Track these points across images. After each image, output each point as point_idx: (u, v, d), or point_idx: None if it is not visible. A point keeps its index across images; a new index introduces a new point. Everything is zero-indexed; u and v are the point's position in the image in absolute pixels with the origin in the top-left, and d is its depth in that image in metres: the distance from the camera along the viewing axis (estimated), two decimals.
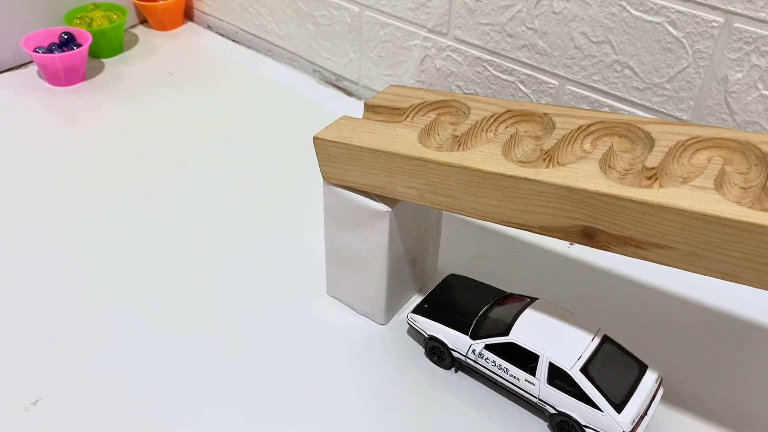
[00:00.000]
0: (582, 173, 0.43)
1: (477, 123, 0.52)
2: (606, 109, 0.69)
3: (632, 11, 0.63)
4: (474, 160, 0.47)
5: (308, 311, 0.62)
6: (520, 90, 0.74)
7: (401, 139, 0.52)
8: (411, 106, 0.56)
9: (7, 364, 0.56)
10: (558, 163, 0.47)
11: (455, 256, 0.67)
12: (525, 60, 0.72)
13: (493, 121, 0.53)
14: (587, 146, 0.49)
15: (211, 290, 0.64)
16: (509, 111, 0.53)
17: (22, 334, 0.59)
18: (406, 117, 0.56)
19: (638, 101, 0.67)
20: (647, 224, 0.41)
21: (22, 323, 0.60)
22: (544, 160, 0.47)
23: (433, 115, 0.55)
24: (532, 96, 0.74)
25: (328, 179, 0.56)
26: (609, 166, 0.45)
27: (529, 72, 0.73)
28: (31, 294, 0.63)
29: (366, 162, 0.52)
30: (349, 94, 0.92)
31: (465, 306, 0.58)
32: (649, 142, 0.46)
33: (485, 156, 0.47)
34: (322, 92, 0.93)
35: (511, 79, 0.75)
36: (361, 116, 0.57)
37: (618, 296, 0.64)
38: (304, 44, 0.94)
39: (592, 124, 0.49)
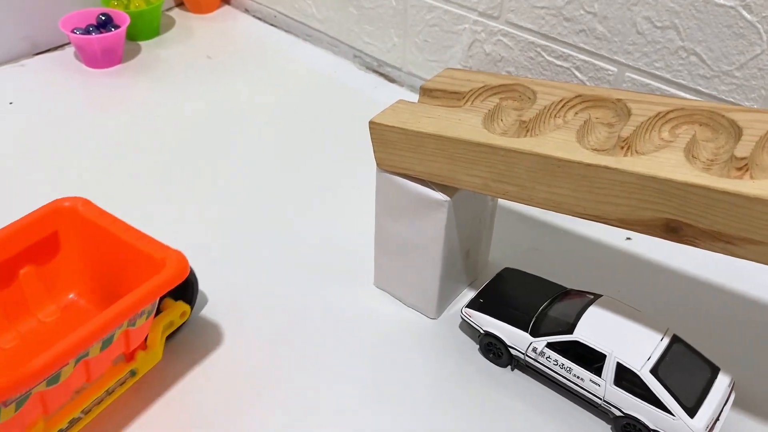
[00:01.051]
0: (667, 163, 0.40)
1: (545, 108, 0.49)
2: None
3: None
4: (547, 147, 0.44)
5: (354, 303, 0.60)
6: (576, 76, 0.71)
7: (464, 124, 0.49)
8: (471, 90, 0.53)
9: None
10: (636, 151, 0.44)
11: (507, 249, 0.64)
12: (582, 45, 0.69)
13: (562, 107, 0.50)
14: (665, 134, 0.46)
15: (254, 276, 0.62)
16: (579, 96, 0.50)
17: None
18: (466, 101, 0.53)
19: (704, 90, 0.63)
20: (740, 218, 0.38)
21: None
22: (622, 148, 0.44)
23: (495, 100, 0.52)
24: (588, 83, 0.71)
25: (383, 166, 0.53)
26: (693, 156, 0.42)
27: (585, 58, 0.70)
28: None
29: (426, 148, 0.50)
30: (391, 80, 0.90)
31: (523, 301, 0.55)
32: (735, 130, 0.43)
33: (559, 143, 0.44)
34: (362, 78, 0.91)
35: (566, 65, 0.72)
36: (403, 99, 0.54)
37: (680, 293, 0.61)
38: (345, 28, 0.91)
39: (671, 111, 0.46)
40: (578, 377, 0.50)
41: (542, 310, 0.53)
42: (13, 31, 0.90)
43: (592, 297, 0.53)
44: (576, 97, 0.50)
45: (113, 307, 0.44)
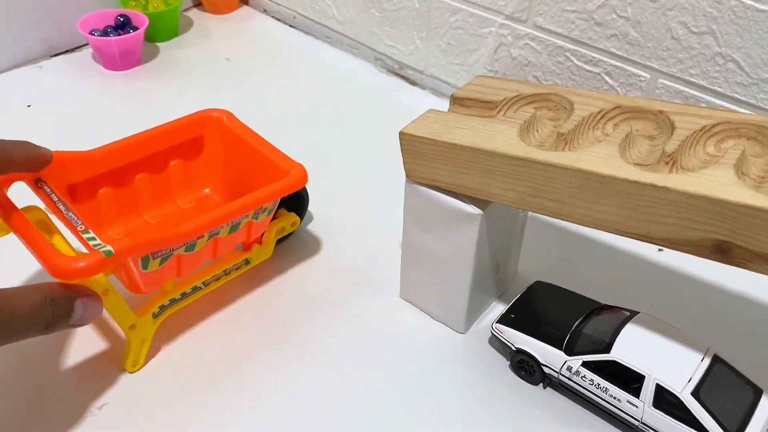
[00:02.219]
0: (717, 181, 0.39)
1: (583, 120, 0.47)
2: (703, 105, 0.64)
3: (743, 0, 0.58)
4: (588, 162, 0.42)
5: (379, 315, 0.59)
6: (606, 82, 0.69)
7: (500, 135, 0.47)
8: (504, 99, 0.52)
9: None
10: (682, 167, 0.42)
11: (536, 260, 0.63)
12: (614, 50, 0.67)
13: (601, 118, 0.48)
14: (711, 149, 0.44)
15: (276, 281, 0.61)
16: (618, 107, 0.48)
17: None
18: (499, 111, 0.51)
19: (741, 98, 0.61)
20: None
21: None
22: (667, 163, 0.42)
23: (530, 110, 0.51)
24: (619, 89, 0.69)
25: (413, 178, 0.52)
26: (742, 173, 0.41)
27: (617, 63, 0.68)
28: None
29: (459, 161, 0.48)
30: (413, 83, 0.88)
31: (556, 317, 0.53)
32: None
33: (601, 157, 0.43)
34: (384, 81, 0.89)
35: (596, 70, 0.70)
36: (433, 108, 0.53)
37: (719, 308, 0.59)
38: (367, 30, 0.90)
39: (717, 124, 0.44)
40: (615, 398, 0.49)
41: (576, 326, 0.52)
42: (30, 32, 0.89)
43: (628, 314, 0.51)
44: (615, 108, 0.48)
45: (244, 198, 0.53)
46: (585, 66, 0.70)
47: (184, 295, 0.56)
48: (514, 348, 0.53)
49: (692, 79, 0.64)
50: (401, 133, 0.50)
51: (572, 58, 0.71)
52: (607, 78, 0.69)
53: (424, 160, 0.50)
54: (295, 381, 0.53)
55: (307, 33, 0.99)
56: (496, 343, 0.56)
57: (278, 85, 0.88)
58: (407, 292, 0.60)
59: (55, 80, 0.88)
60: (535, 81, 0.75)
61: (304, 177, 0.57)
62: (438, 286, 0.56)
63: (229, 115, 0.62)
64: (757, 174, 0.41)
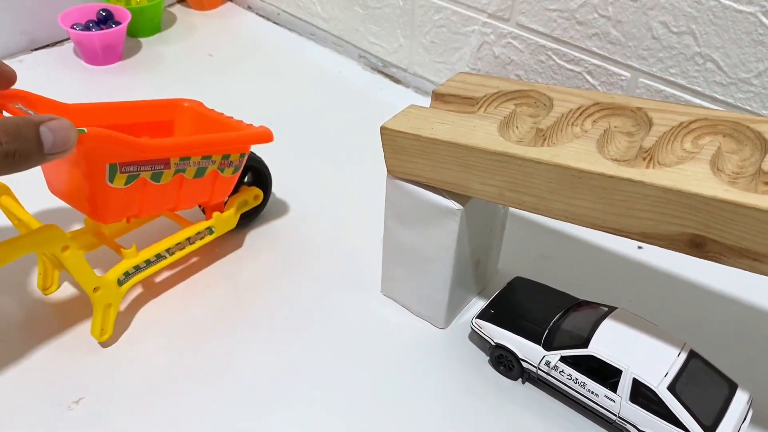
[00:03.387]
0: (693, 176, 0.39)
1: (562, 116, 0.48)
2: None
3: (722, 0, 0.58)
4: (567, 157, 0.43)
5: (360, 310, 0.59)
6: (587, 81, 0.70)
7: (480, 131, 0.47)
8: (485, 95, 0.52)
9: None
10: (659, 163, 0.43)
11: (516, 256, 0.63)
12: (595, 50, 0.68)
13: (580, 115, 0.48)
14: (688, 145, 0.44)
15: (255, 278, 0.61)
16: (597, 104, 0.48)
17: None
18: (480, 107, 0.51)
19: (720, 97, 0.62)
20: None
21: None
22: (644, 159, 0.43)
23: (510, 106, 0.51)
24: (600, 88, 0.69)
25: (394, 173, 0.52)
26: (717, 168, 0.41)
27: (598, 62, 0.68)
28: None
29: (439, 156, 0.48)
30: (397, 81, 0.88)
31: (535, 313, 0.54)
32: (761, 143, 0.42)
33: (579, 153, 0.43)
34: (368, 79, 0.89)
35: (577, 69, 0.70)
36: (415, 104, 0.53)
37: (696, 304, 0.60)
38: (351, 28, 0.90)
39: (694, 121, 0.45)
40: (593, 392, 0.49)
41: (555, 322, 0.52)
42: (10, 26, 0.88)
43: (606, 309, 0.51)
44: (594, 104, 0.48)
45: (212, 135, 0.56)
46: (566, 65, 0.71)
47: (149, 263, 0.56)
48: (493, 343, 0.53)
49: (672, 78, 0.64)
50: (382, 128, 0.50)
51: (554, 57, 0.71)
52: (588, 77, 0.70)
53: (405, 155, 0.50)
54: (272, 372, 0.53)
55: (291, 30, 0.98)
56: (476, 338, 0.56)
57: (262, 81, 0.88)
58: (388, 288, 0.60)
59: (36, 74, 0.87)
60: (517, 79, 0.75)
61: (268, 133, 0.60)
62: (418, 281, 0.56)
63: (200, 104, 0.64)
64: (732, 170, 0.41)
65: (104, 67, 0.88)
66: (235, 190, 0.63)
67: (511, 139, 0.48)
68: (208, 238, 0.60)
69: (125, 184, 0.50)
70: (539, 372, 0.51)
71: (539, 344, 0.51)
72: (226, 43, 0.95)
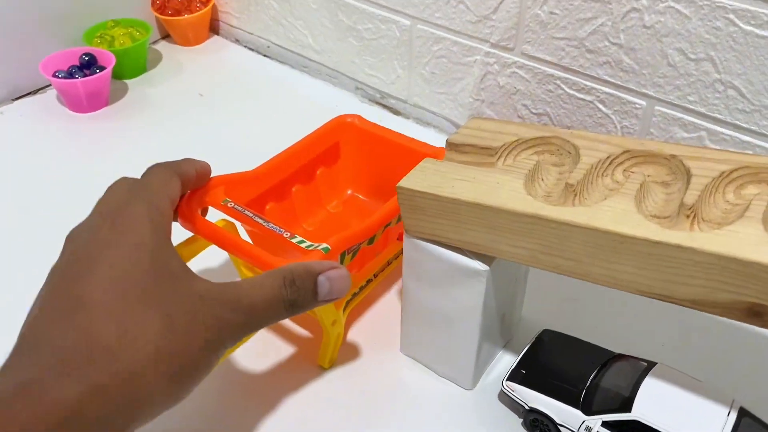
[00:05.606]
0: (746, 239, 0.36)
1: (592, 167, 0.45)
2: (703, 133, 0.62)
3: (741, 25, 0.55)
4: (605, 219, 0.39)
5: (380, 370, 0.55)
6: (600, 110, 0.67)
7: (505, 188, 0.44)
8: (504, 144, 0.49)
9: None
10: (703, 219, 0.39)
11: (540, 301, 0.60)
12: (607, 78, 0.65)
13: (609, 164, 0.45)
14: (730, 196, 0.41)
15: (255, 336, 0.57)
16: (627, 151, 0.45)
17: None
18: (500, 158, 0.48)
19: (743, 124, 0.59)
20: None
21: None
22: (687, 216, 0.40)
23: (533, 156, 0.48)
24: (614, 117, 0.66)
25: (412, 232, 0.49)
26: None
27: (611, 91, 0.65)
28: None
29: (462, 216, 0.45)
30: (396, 113, 0.85)
31: (569, 371, 0.50)
32: None
33: (617, 213, 0.40)
34: (366, 111, 0.86)
35: (588, 98, 0.67)
36: (430, 158, 0.50)
37: (740, 355, 0.56)
38: (346, 60, 0.86)
39: (736, 169, 0.42)
40: None
41: (592, 381, 0.49)
42: None
43: (645, 365, 0.48)
44: (624, 152, 0.45)
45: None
46: (577, 94, 0.68)
47: (361, 288, 0.57)
48: (527, 407, 0.50)
49: (691, 106, 0.61)
50: (398, 188, 0.47)
51: (563, 86, 0.68)
52: (600, 106, 0.67)
53: (425, 215, 0.47)
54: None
55: (282, 63, 0.95)
56: (507, 399, 0.53)
57: (255, 118, 0.84)
58: (408, 347, 0.56)
59: (19, 126, 0.83)
60: (526, 111, 0.72)
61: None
62: (442, 342, 0.53)
63: (360, 118, 0.66)
64: None
65: (90, 114, 0.84)
66: None
67: (538, 195, 0.45)
68: (400, 258, 0.60)
69: (351, 260, 0.52)
70: None
71: (578, 407, 0.48)
72: (215, 79, 0.92)
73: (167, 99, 0.88)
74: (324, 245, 0.47)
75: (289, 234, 0.49)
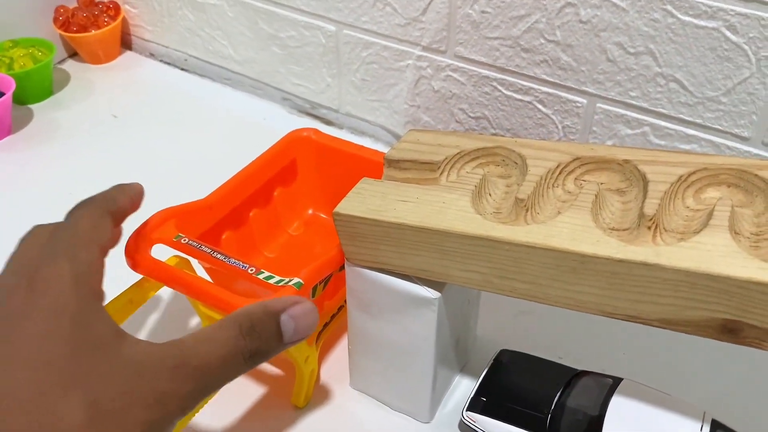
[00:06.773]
0: (715, 250, 0.33)
1: (541, 178, 0.41)
2: (647, 129, 0.60)
3: (680, 16, 0.53)
4: (562, 237, 0.36)
5: (330, 408, 0.51)
6: (539, 111, 0.64)
7: (451, 208, 0.40)
8: (446, 158, 0.45)
9: None
10: (665, 230, 0.37)
11: (494, 317, 0.56)
12: (545, 77, 0.62)
13: (559, 174, 0.42)
14: (690, 201, 0.39)
15: None
16: (578, 159, 0.42)
17: None
18: (442, 173, 0.45)
19: (687, 118, 0.58)
20: None
21: None
22: (649, 228, 0.37)
23: (477, 170, 0.44)
24: (554, 117, 0.64)
25: (354, 261, 0.44)
26: (735, 232, 0.35)
27: (549, 90, 0.63)
28: None
29: (408, 241, 0.41)
30: (328, 123, 0.81)
31: (532, 394, 0.47)
32: None
33: (574, 229, 0.37)
34: (296, 123, 0.81)
35: (527, 99, 0.64)
36: (367, 177, 0.46)
37: (705, 363, 0.53)
38: (270, 69, 0.81)
39: (693, 173, 0.39)
40: None
41: (557, 402, 0.46)
42: None
43: (611, 381, 0.46)
44: (574, 160, 0.42)
45: None
46: (515, 95, 0.65)
47: (333, 317, 0.53)
48: None
49: (633, 102, 0.59)
50: (335, 214, 0.43)
51: (500, 88, 0.65)
52: (540, 106, 0.64)
53: (366, 241, 0.42)
54: None
55: (202, 76, 0.89)
56: (468, 429, 0.49)
57: (176, 136, 0.78)
58: (359, 382, 0.52)
59: None
60: (463, 114, 0.69)
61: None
62: (395, 375, 0.49)
63: (316, 131, 0.61)
64: (750, 231, 0.36)
65: None
66: None
67: (486, 212, 0.41)
68: None
69: (322, 291, 0.48)
70: None
71: None
72: (130, 98, 0.85)
73: (78, 123, 0.81)
74: (296, 280, 0.43)
75: (254, 270, 0.44)
